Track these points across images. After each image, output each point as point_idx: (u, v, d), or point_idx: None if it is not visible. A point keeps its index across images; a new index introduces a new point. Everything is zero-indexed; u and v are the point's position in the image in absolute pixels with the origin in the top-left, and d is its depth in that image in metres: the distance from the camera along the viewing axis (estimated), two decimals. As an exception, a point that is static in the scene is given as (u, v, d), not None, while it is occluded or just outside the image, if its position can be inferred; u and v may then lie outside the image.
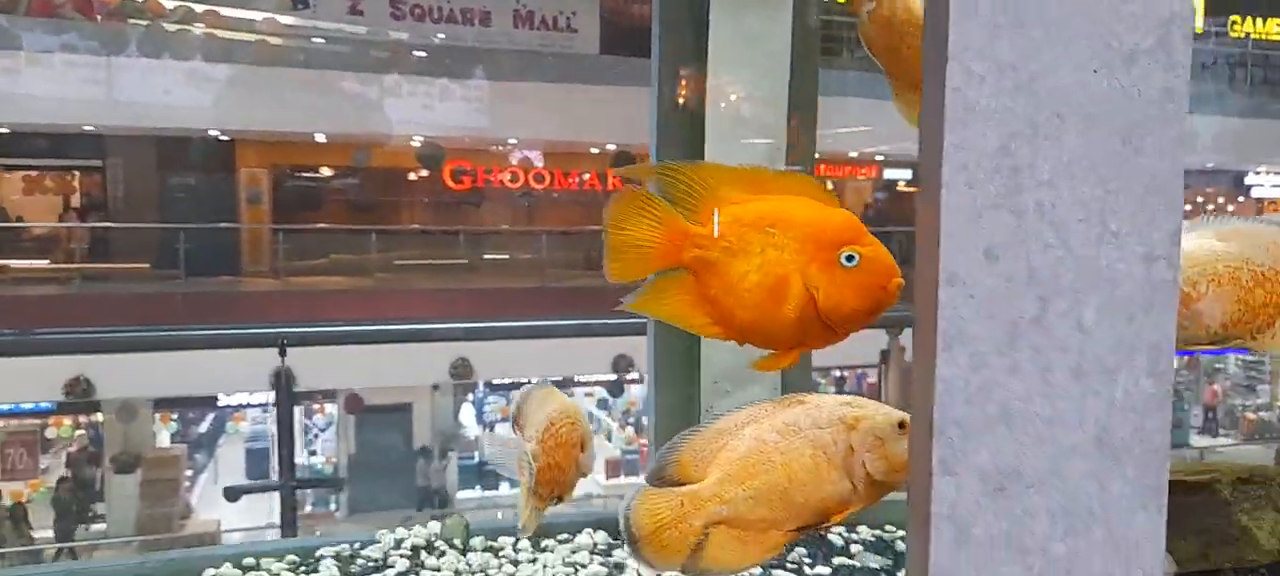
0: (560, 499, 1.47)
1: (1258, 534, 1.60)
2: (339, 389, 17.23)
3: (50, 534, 15.04)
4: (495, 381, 18.44)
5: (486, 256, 18.50)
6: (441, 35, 16.24)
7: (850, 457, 1.23)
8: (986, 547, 1.02)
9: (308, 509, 18.22)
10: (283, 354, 4.27)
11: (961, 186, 0.98)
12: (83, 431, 16.78)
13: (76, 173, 17.88)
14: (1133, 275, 1.05)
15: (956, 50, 0.98)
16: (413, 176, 18.76)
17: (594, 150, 18.64)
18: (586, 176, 19.08)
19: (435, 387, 17.97)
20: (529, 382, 1.53)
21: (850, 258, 1.14)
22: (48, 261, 16.91)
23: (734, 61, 2.12)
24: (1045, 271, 1.02)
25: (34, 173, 17.40)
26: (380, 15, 16.51)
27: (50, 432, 16.57)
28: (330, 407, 17.97)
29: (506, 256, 18.75)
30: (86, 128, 15.86)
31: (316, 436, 17.95)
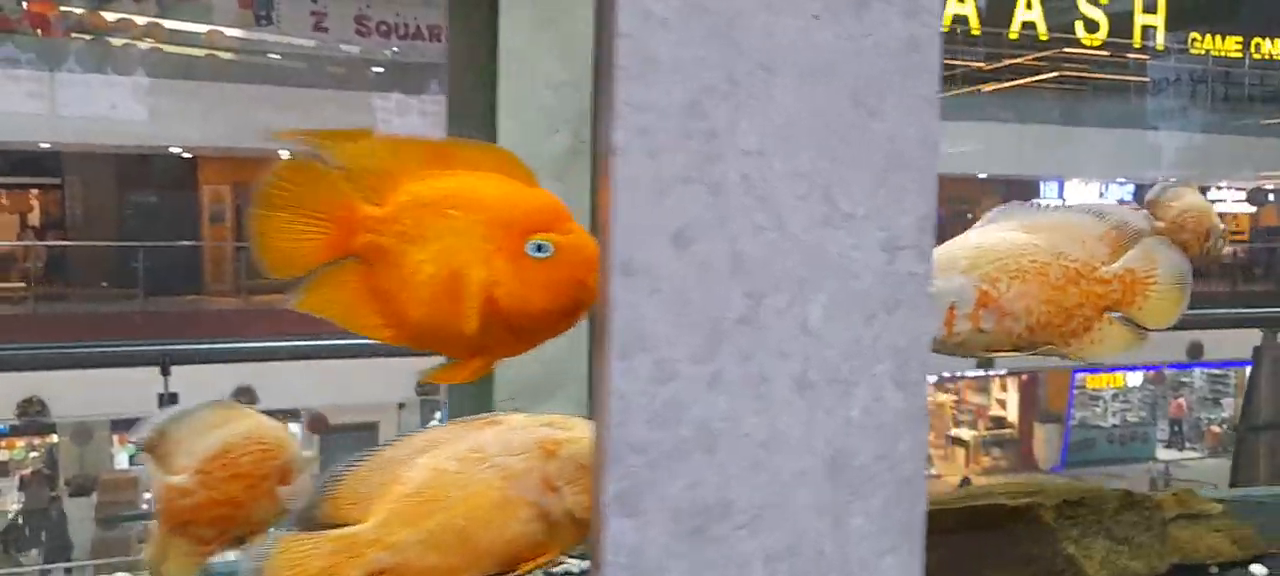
0: (242, 542, 1.26)
1: (1086, 565, 1.42)
2: (302, 408, 16.93)
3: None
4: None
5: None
6: (396, 49, 16.06)
7: (547, 492, 1.04)
8: (683, 601, 0.82)
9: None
10: (165, 372, 4.06)
11: (640, 154, 0.80)
12: (36, 453, 16.39)
13: (34, 191, 17.57)
14: (871, 266, 0.86)
15: (637, -12, 0.80)
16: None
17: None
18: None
19: (401, 406, 17.71)
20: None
21: (541, 247, 0.95)
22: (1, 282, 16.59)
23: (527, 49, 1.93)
24: (756, 259, 0.83)
25: (-6, 190, 17.09)
26: (344, 31, 16.31)
27: (2, 455, 16.19)
28: (294, 427, 17.65)
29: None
30: (43, 145, 15.58)
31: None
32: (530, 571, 1.08)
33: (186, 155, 16.85)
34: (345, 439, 17.73)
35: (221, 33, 14.36)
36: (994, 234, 1.37)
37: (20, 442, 16.15)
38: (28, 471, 16.19)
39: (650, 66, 0.79)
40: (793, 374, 0.84)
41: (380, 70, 15.88)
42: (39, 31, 13.14)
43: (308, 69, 15.35)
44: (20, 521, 15.60)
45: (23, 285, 16.07)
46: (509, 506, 1.03)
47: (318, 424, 17.55)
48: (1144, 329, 1.43)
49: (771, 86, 0.82)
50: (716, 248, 0.82)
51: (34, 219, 17.81)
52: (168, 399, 4.04)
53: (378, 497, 1.02)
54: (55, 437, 15.90)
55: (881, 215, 0.86)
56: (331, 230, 0.97)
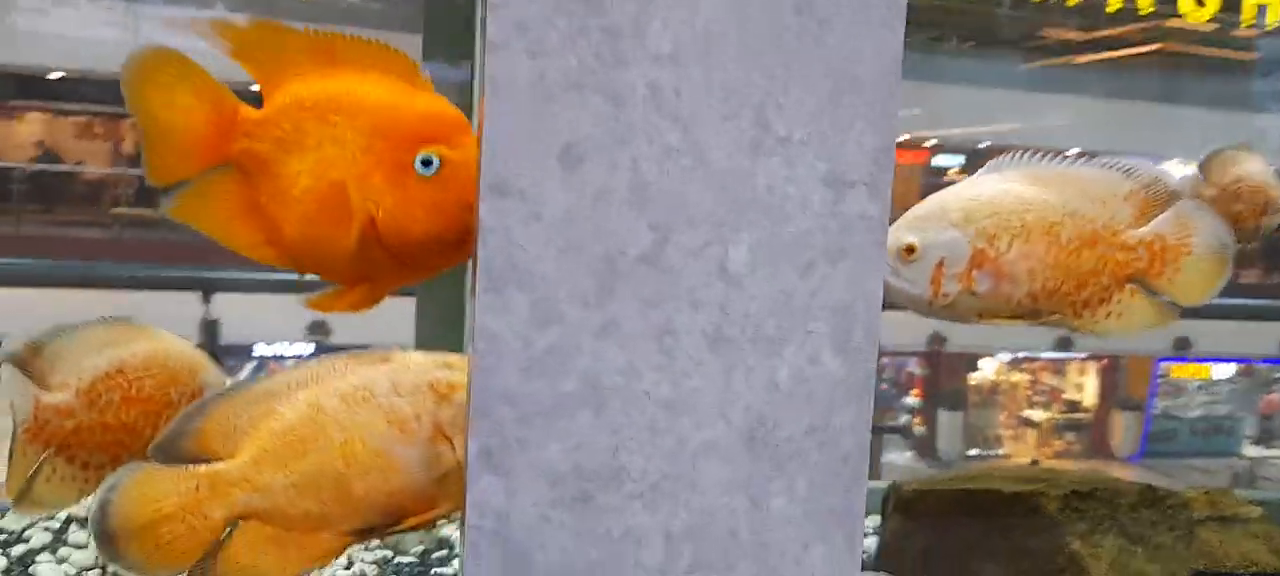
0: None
1: (1092, 564, 1.25)
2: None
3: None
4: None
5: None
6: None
7: (439, 439, 0.92)
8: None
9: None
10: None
11: (520, 53, 0.67)
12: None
13: (128, 120, 18.06)
14: (810, 205, 0.73)
15: None
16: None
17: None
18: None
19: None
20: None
21: (428, 162, 0.82)
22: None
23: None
24: (664, 188, 0.70)
25: (84, 119, 17.63)
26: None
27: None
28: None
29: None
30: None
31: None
32: (417, 528, 0.98)
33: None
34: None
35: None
36: (996, 184, 1.20)
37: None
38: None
39: (540, -52, 0.67)
40: (706, 327, 0.72)
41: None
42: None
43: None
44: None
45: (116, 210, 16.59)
46: (393, 453, 0.92)
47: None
48: (1174, 304, 1.26)
49: (692, -19, 0.69)
50: (614, 171, 0.69)
51: (127, 148, 18.34)
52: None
53: (249, 433, 0.92)
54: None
55: (826, 144, 0.72)
56: (207, 132, 0.87)
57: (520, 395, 0.69)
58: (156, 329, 1.21)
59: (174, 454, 0.94)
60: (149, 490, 0.92)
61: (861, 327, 0.75)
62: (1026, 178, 1.19)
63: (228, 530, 0.93)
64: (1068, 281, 1.17)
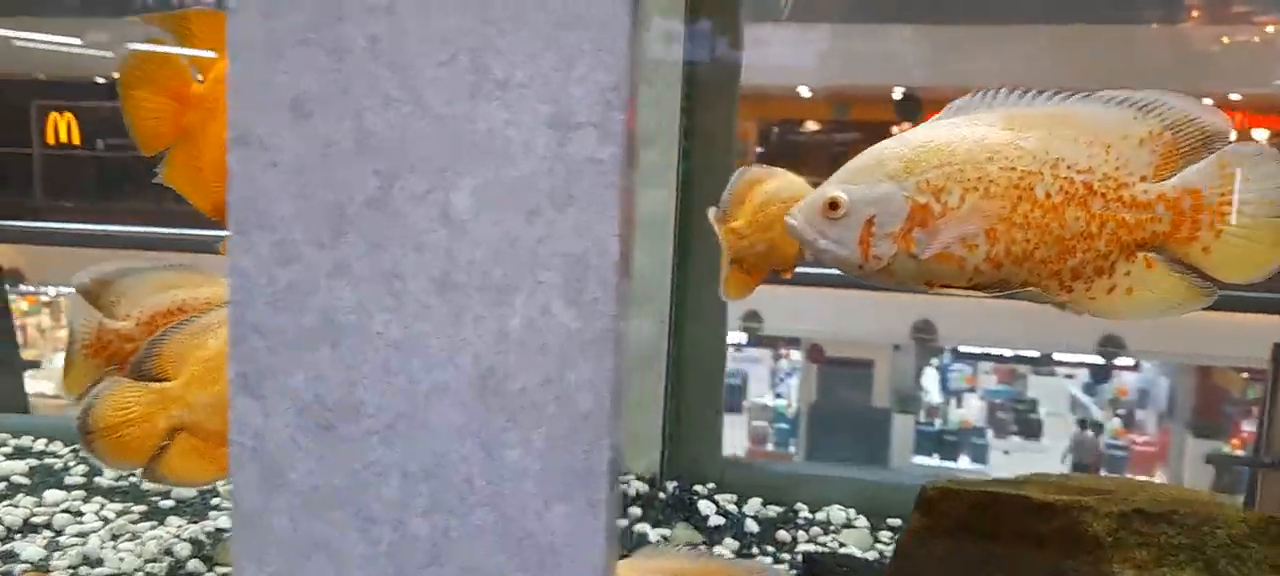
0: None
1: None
2: (803, 336, 17.66)
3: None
4: (962, 348, 17.52)
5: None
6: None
7: None
8: (311, 501, 0.77)
9: (768, 447, 19.07)
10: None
11: (254, 14, 0.74)
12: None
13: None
14: (534, 148, 0.70)
15: None
16: (890, 129, 18.23)
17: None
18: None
19: (897, 347, 17.60)
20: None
21: None
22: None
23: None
24: (388, 136, 0.72)
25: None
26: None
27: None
28: (795, 354, 18.52)
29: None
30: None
31: (783, 380, 18.67)
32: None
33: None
34: (840, 372, 18.17)
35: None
36: (956, 129, 0.96)
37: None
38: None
39: (267, -83, 0.73)
40: (432, 272, 0.73)
41: None
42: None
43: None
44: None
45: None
46: None
47: (815, 353, 18.20)
48: (1209, 281, 0.92)
49: (404, -70, 0.71)
50: (341, 122, 0.73)
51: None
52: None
53: (187, 359, 1.09)
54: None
55: (548, 84, 0.70)
56: (171, 107, 1.04)
57: (268, 327, 0.76)
58: (217, 277, 1.45)
59: (141, 372, 1.15)
60: (118, 400, 1.14)
61: (597, 279, 0.71)
62: (1001, 120, 0.95)
63: (168, 438, 1.12)
64: (1046, 246, 0.92)
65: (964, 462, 17.38)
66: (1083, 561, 1.06)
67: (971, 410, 18.46)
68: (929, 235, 0.94)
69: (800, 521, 1.94)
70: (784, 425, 18.52)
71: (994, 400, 18.39)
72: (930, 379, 19.10)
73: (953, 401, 18.67)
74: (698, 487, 2.04)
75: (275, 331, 0.76)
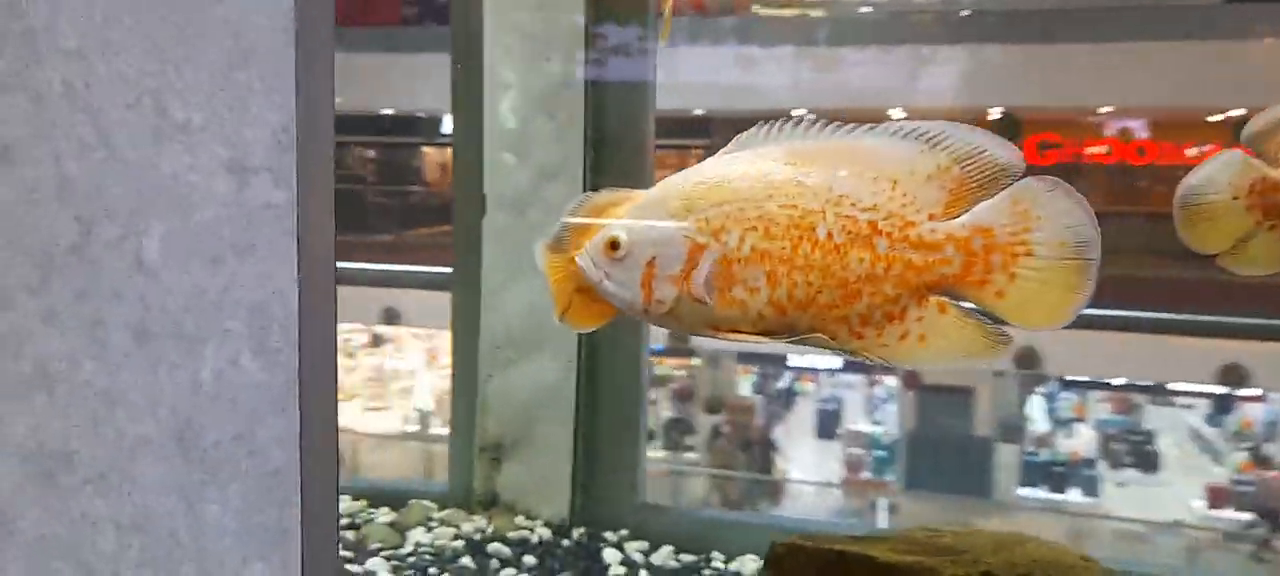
0: None
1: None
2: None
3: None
4: (1068, 377, 16.79)
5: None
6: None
7: None
8: (38, 552, 0.75)
9: (864, 474, 18.61)
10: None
11: (-35, 62, 0.73)
12: (684, 372, 19.28)
13: (696, 150, 20.43)
14: (214, 193, 0.68)
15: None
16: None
17: (1212, 118, 15.51)
18: (1204, 149, 16.04)
19: (998, 374, 16.98)
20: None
21: None
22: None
23: None
24: (85, 182, 0.71)
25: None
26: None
27: (658, 370, 19.35)
28: (890, 380, 18.07)
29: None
30: (697, 111, 18.00)
31: (877, 406, 18.21)
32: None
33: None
34: (938, 399, 17.61)
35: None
36: (740, 164, 0.88)
37: (669, 361, 19.15)
38: (677, 385, 19.17)
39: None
40: (129, 320, 0.71)
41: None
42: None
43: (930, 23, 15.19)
44: (669, 426, 18.59)
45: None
46: None
47: (910, 379, 17.71)
48: (1004, 325, 0.81)
49: (90, -28, 0.69)
50: (42, 167, 0.72)
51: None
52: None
53: None
54: (695, 360, 18.56)
55: (223, 126, 0.67)
56: None
57: (-9, 375, 0.75)
58: None
59: None
60: None
61: (279, 328, 0.67)
62: (787, 154, 0.87)
63: None
64: (828, 289, 0.83)
65: (1073, 495, 16.59)
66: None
67: (1081, 440, 17.70)
68: (708, 277, 0.87)
69: (709, 572, 1.83)
70: (881, 452, 18.05)
71: (1107, 430, 17.53)
72: (1036, 407, 18.37)
73: (1061, 431, 17.91)
74: (608, 534, 1.96)
75: (1, 378, 0.76)
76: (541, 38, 1.81)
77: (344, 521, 1.94)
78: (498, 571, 1.81)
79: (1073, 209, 0.85)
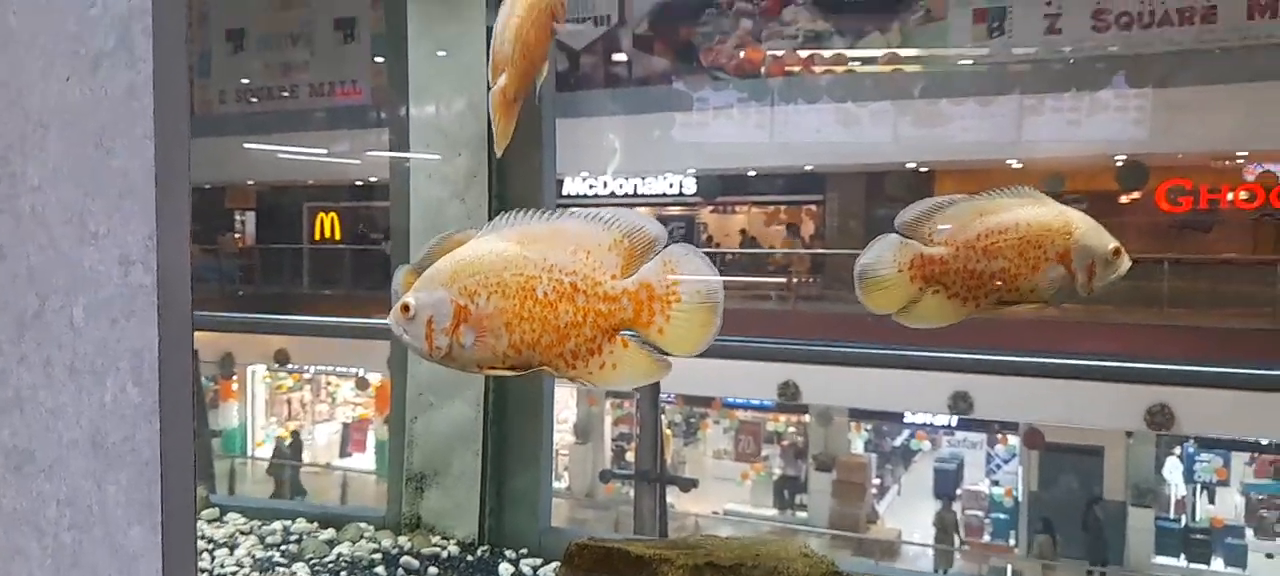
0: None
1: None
2: (1020, 421, 16.70)
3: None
4: (1205, 436, 15.88)
5: (1204, 288, 16.04)
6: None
7: None
8: (11, 520, 1.12)
9: (985, 537, 18.01)
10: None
11: (-22, 194, 1.12)
12: (794, 429, 19.23)
13: (809, 207, 20.58)
14: (112, 278, 1.04)
15: None
16: (1118, 198, 17.17)
17: (1352, 160, 14.66)
18: (1350, 193, 15.12)
19: (1129, 435, 16.22)
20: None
21: None
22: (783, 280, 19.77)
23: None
24: (42, 271, 1.08)
25: (772, 208, 20.57)
26: (1080, 29, 15.58)
27: (769, 426, 19.38)
28: (1012, 439, 17.51)
29: (1231, 289, 15.99)
30: (807, 167, 18.20)
31: (999, 466, 17.65)
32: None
33: (923, 170, 17.96)
34: (1064, 458, 16.93)
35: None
36: (485, 245, 1.20)
37: (782, 418, 19.14)
38: (785, 443, 19.13)
39: (-14, 132, 1.11)
40: (67, 362, 1.07)
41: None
42: (762, 71, 15.50)
43: (1034, 73, 15.07)
44: (781, 482, 18.54)
45: (786, 283, 18.99)
46: None
47: (1034, 438, 17.11)
48: (665, 354, 1.10)
49: (46, 139, 1.07)
50: (19, 262, 1.10)
51: (806, 230, 20.90)
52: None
53: None
54: (807, 418, 18.50)
55: (117, 235, 1.03)
56: None
57: (-11, 399, 1.13)
58: None
59: None
60: None
61: (148, 367, 1.02)
62: (517, 236, 1.20)
63: None
64: (547, 333, 1.16)
65: (1217, 565, 15.57)
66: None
67: (1225, 506, 16.65)
68: (470, 330, 1.21)
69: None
70: (1002, 515, 17.42)
71: (1254, 494, 16.45)
72: (1172, 469, 17.40)
73: (1202, 495, 16.91)
74: (508, 552, 2.26)
75: (-7, 402, 1.13)
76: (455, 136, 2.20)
77: (292, 537, 2.34)
78: (402, 581, 2.16)
79: (702, 266, 1.17)
